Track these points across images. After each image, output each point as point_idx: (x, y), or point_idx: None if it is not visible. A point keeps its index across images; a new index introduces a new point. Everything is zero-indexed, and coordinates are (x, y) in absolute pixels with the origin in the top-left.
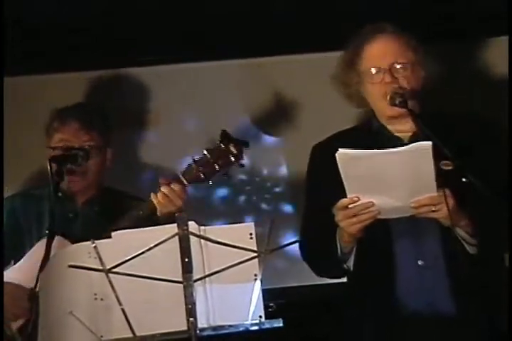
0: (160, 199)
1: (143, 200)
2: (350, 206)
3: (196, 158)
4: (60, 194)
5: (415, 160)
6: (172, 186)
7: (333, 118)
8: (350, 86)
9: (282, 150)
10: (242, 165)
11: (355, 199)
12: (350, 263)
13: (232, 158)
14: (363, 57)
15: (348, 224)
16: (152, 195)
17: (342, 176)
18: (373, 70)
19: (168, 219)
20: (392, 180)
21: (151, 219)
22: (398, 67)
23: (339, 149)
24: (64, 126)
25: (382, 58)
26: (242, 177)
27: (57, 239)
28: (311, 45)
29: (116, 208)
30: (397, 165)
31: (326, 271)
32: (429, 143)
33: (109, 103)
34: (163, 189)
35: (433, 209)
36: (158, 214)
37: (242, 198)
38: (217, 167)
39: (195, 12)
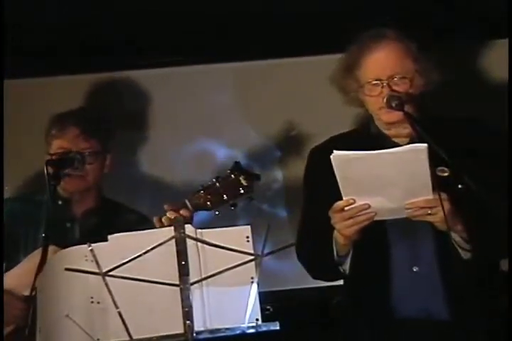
0: (166, 224)
1: (141, 214)
2: (346, 208)
3: (205, 184)
4: (60, 202)
5: (410, 161)
6: (181, 212)
7: (331, 120)
8: (348, 92)
9: (280, 151)
10: (251, 198)
11: (351, 201)
12: (346, 267)
13: (242, 190)
14: (362, 66)
15: (343, 226)
16: (155, 219)
17: (337, 178)
18: (372, 83)
19: None
20: (387, 180)
21: None
22: (397, 79)
23: (334, 151)
24: (63, 133)
25: (382, 70)
26: None
27: (51, 248)
28: (311, 47)
29: (114, 221)
30: (391, 166)
31: (321, 274)
32: (425, 144)
33: (109, 106)
34: (170, 214)
35: (429, 212)
36: None
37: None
38: (225, 197)
39: (195, 12)
